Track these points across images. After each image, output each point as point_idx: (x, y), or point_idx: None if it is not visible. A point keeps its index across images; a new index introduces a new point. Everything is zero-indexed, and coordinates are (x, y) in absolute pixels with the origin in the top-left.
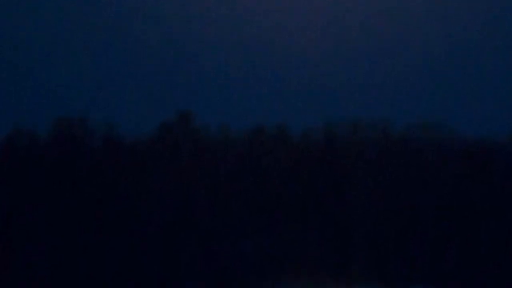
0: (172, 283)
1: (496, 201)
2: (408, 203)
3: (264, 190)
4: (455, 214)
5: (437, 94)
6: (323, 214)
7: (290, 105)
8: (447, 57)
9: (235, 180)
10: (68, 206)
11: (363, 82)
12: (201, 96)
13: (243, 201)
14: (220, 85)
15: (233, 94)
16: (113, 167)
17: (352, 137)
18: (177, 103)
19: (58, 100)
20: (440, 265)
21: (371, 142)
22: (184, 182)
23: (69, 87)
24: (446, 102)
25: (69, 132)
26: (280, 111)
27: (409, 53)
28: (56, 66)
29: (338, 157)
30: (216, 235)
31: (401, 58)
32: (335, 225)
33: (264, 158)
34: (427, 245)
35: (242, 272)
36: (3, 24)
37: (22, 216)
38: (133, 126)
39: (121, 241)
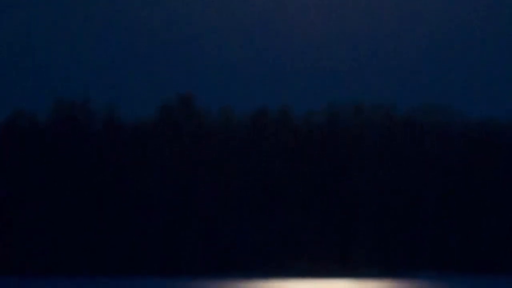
0: (173, 267)
1: (501, 184)
2: (412, 186)
3: (267, 173)
4: (459, 197)
5: (442, 75)
6: (326, 197)
7: (292, 87)
8: (452, 38)
9: (237, 163)
10: (68, 188)
11: (367, 64)
12: (202, 78)
13: (245, 184)
14: (222, 67)
15: (235, 76)
16: (114, 150)
17: (355, 120)
18: (178, 85)
19: (58, 82)
20: (443, 249)
21: (375, 125)
22: (185, 165)
23: (69, 69)
24: (451, 84)
25: (69, 114)
26: (283, 93)
27: (413, 34)
28: (56, 47)
29: (341, 140)
30: (217, 218)
31: (405, 39)
32: (338, 208)
33: (267, 140)
34: (431, 229)
35: (244, 256)
36: (3, 5)
37: (22, 198)
38: (134, 108)
39: (122, 224)
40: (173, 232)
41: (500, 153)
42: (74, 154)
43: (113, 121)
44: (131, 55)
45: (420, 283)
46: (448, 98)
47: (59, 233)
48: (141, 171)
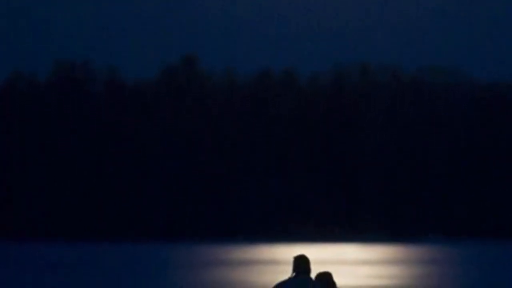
0: (177, 230)
1: (509, 146)
2: (419, 149)
3: (271, 136)
4: (467, 159)
5: (450, 36)
6: (332, 160)
7: (297, 48)
8: None
9: (241, 126)
10: (69, 151)
11: (373, 25)
12: (206, 38)
13: (249, 148)
14: (226, 28)
15: (239, 37)
16: (115, 111)
17: (361, 81)
18: (181, 46)
19: (59, 42)
20: (451, 213)
21: (381, 86)
22: (188, 128)
23: (70, 29)
24: (458, 45)
25: (70, 75)
26: (288, 54)
27: None
28: (56, 7)
29: (346, 102)
30: (221, 182)
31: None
32: (344, 172)
33: (271, 103)
34: (438, 192)
35: (248, 219)
36: None
37: (22, 161)
38: (136, 70)
39: (124, 187)
40: (176, 197)
41: (507, 115)
42: (75, 115)
43: (114, 83)
44: (133, 15)
45: (427, 247)
46: (455, 59)
47: (60, 197)
48: (143, 133)
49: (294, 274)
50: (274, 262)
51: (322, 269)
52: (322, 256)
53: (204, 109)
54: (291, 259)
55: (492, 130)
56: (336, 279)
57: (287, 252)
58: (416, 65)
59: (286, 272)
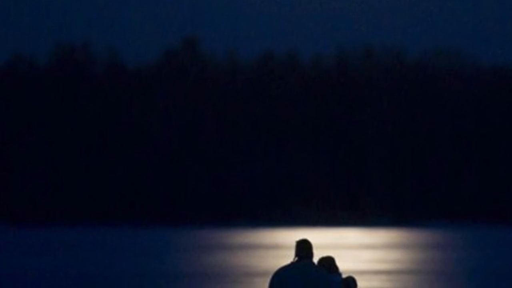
0: (178, 209)
1: None
2: (423, 132)
3: (273, 119)
4: (472, 143)
5: (454, 18)
6: (335, 144)
7: (300, 29)
8: None
9: (243, 108)
10: (70, 135)
11: (377, 5)
12: (207, 20)
13: (251, 130)
14: (228, 9)
15: (241, 19)
16: (116, 94)
17: (365, 63)
18: (182, 27)
19: (59, 24)
20: (456, 197)
21: (385, 68)
22: (190, 110)
23: (70, 10)
24: (463, 27)
25: (70, 58)
26: (290, 36)
27: None
28: None
29: (350, 84)
30: (223, 164)
31: None
32: (348, 155)
33: (273, 85)
34: (442, 176)
35: (250, 198)
36: None
37: (22, 144)
38: (137, 52)
39: (125, 171)
40: (177, 179)
41: None
42: (75, 98)
43: (115, 65)
44: None
45: (431, 231)
46: (460, 41)
47: (60, 179)
48: (144, 117)
49: (296, 258)
50: (276, 247)
51: (325, 253)
52: (324, 240)
53: (206, 92)
54: (293, 244)
55: (498, 113)
56: (339, 263)
57: (289, 236)
58: (421, 47)
59: (288, 257)
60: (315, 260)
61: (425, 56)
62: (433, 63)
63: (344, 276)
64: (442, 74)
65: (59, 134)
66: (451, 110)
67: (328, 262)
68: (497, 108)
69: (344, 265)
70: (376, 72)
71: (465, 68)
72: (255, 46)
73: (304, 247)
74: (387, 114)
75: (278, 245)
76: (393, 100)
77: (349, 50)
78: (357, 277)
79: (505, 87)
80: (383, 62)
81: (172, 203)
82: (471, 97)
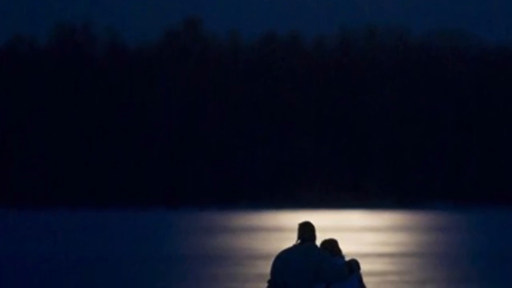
0: (181, 191)
1: None
2: (427, 113)
3: (276, 100)
4: (476, 124)
5: None
6: (337, 125)
7: (303, 10)
8: None
9: (245, 89)
10: (70, 115)
11: None
12: (209, 0)
13: (253, 112)
14: None
15: None
16: (117, 75)
17: (368, 44)
18: (184, 7)
19: (59, 4)
20: (460, 178)
21: (388, 49)
22: (191, 91)
23: None
24: (468, 7)
25: (71, 39)
26: (293, 16)
27: None
28: None
29: (353, 65)
30: (224, 146)
31: None
32: (350, 136)
33: (276, 66)
34: (446, 157)
35: (253, 181)
36: None
37: (22, 124)
38: (138, 32)
39: (125, 152)
40: (179, 161)
41: None
42: (76, 80)
43: (116, 46)
44: None
45: (434, 213)
46: (464, 22)
47: (60, 162)
48: (146, 97)
49: (299, 241)
50: (278, 229)
51: (328, 236)
52: (327, 223)
53: (208, 73)
54: (296, 226)
55: (502, 94)
56: (342, 246)
57: (291, 219)
58: (424, 28)
59: (291, 239)
60: (318, 243)
61: (428, 37)
62: (437, 44)
63: (347, 259)
64: (446, 54)
65: (60, 116)
66: (454, 92)
67: (331, 245)
68: (501, 89)
69: (347, 248)
70: (379, 52)
71: (469, 49)
72: (257, 27)
73: (306, 230)
74: (390, 96)
75: (281, 228)
76: (396, 82)
77: (352, 31)
78: (360, 260)
79: (510, 68)
80: (386, 43)
81: (174, 186)
82: (475, 78)
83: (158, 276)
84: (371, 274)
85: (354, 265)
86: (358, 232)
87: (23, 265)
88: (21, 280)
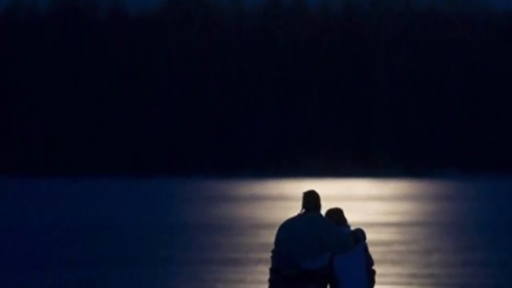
0: (184, 159)
1: None
2: (434, 81)
3: (280, 67)
4: (483, 92)
5: None
6: (343, 92)
7: None
8: None
9: (249, 57)
10: (70, 83)
11: None
12: None
13: (258, 79)
14: None
15: None
16: (119, 43)
17: (374, 10)
18: None
19: None
20: (467, 146)
21: (394, 15)
22: (194, 58)
23: None
24: None
25: (71, 5)
26: None
27: None
28: None
29: (358, 32)
30: (228, 114)
31: None
32: (356, 104)
33: (280, 33)
34: (453, 125)
35: (257, 149)
36: None
37: (22, 94)
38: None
39: (127, 122)
40: (182, 130)
41: None
42: (77, 47)
43: (117, 12)
44: None
45: (442, 182)
46: None
47: (61, 129)
48: (148, 65)
49: (303, 210)
50: (283, 198)
51: (333, 205)
52: (332, 191)
53: (211, 40)
54: (301, 195)
55: (510, 60)
56: (347, 215)
57: (296, 188)
58: None
59: (295, 208)
60: (323, 212)
61: (435, 3)
62: (444, 10)
63: (352, 228)
64: (453, 20)
65: (60, 83)
66: (461, 59)
67: (336, 214)
68: (509, 55)
69: (353, 217)
70: (385, 19)
71: (476, 15)
72: None
73: (311, 199)
74: (396, 63)
75: (285, 197)
76: (402, 49)
77: None
78: (366, 229)
79: None
80: (392, 9)
81: (177, 154)
82: (482, 44)
83: (161, 244)
84: (377, 243)
85: (359, 234)
86: (364, 201)
87: (25, 234)
88: (23, 249)
